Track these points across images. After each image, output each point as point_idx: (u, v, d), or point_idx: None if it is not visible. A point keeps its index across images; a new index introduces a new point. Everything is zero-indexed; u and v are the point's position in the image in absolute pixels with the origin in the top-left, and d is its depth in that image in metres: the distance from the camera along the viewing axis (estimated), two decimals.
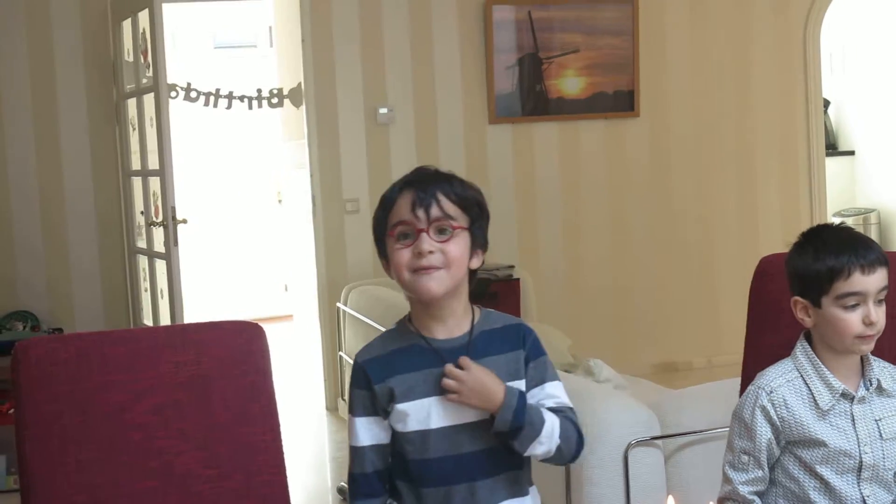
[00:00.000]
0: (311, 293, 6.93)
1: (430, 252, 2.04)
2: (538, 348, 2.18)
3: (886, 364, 2.35)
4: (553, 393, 2.15)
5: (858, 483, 2.27)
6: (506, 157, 6.86)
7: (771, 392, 2.31)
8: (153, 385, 2.16)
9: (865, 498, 2.26)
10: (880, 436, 2.27)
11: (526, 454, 2.09)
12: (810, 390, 2.30)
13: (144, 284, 6.30)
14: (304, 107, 6.75)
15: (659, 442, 3.27)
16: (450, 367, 2.02)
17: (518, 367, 2.14)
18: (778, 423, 2.30)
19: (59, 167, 6.39)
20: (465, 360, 2.03)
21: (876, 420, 2.28)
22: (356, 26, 6.69)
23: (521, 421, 2.01)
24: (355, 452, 2.15)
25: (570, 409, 2.16)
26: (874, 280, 2.23)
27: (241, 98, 8.05)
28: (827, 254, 2.26)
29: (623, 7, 6.96)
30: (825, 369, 2.29)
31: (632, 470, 3.18)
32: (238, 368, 2.22)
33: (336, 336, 6.39)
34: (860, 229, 8.97)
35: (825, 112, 8.28)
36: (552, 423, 2.06)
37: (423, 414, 2.06)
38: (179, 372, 2.18)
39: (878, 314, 2.23)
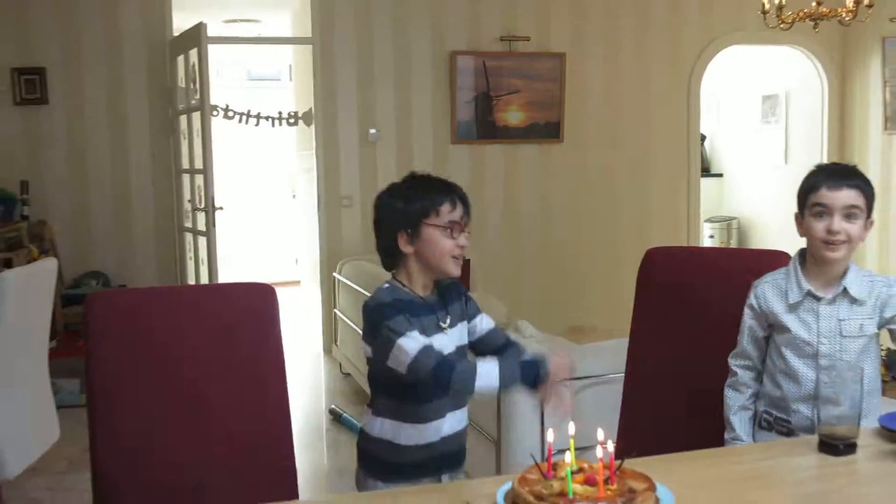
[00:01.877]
0: (315, 265, 6.94)
1: (464, 247, 2.11)
2: (472, 304, 2.25)
3: (872, 277, 2.23)
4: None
5: (816, 367, 2.19)
6: (464, 169, 6.86)
7: (756, 287, 2.30)
8: (190, 329, 2.15)
9: (821, 382, 2.13)
10: (840, 332, 2.19)
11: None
12: (785, 289, 2.25)
13: (189, 255, 6.28)
14: (313, 126, 6.74)
15: (567, 382, 3.31)
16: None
17: (464, 313, 2.19)
18: (758, 310, 2.29)
19: (127, 166, 6.37)
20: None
21: (840, 320, 2.19)
22: (354, 67, 6.68)
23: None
24: (426, 350, 1.97)
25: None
26: (839, 196, 2.14)
27: (267, 118, 8.01)
28: (813, 175, 2.21)
29: (554, 60, 6.98)
30: (800, 274, 2.23)
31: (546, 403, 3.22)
32: (254, 319, 2.20)
33: (332, 297, 6.39)
34: (724, 233, 9.13)
35: (702, 144, 8.33)
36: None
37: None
38: (210, 320, 2.17)
39: (842, 226, 2.14)
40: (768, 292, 2.28)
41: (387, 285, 2.13)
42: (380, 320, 2.02)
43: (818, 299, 2.21)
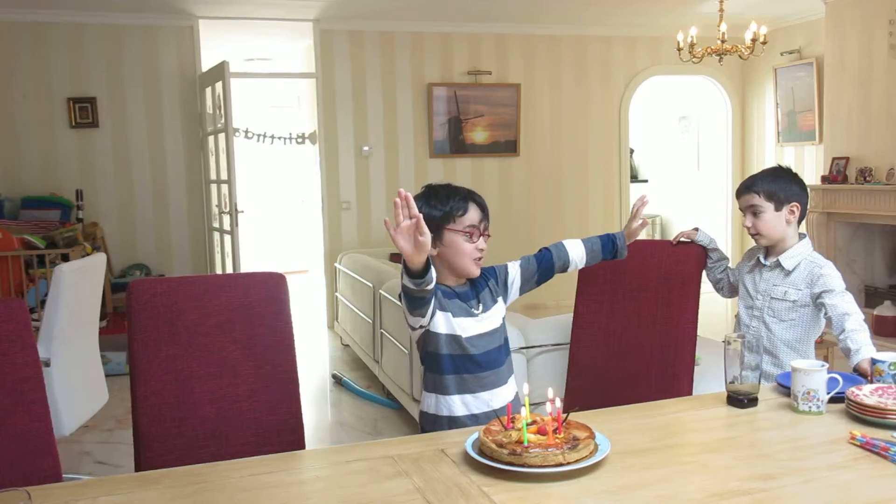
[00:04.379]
0: (319, 257, 6.88)
1: (483, 250, 1.98)
2: (498, 268, 2.07)
3: (813, 258, 2.27)
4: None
5: (750, 316, 2.34)
6: (439, 179, 6.82)
7: (741, 259, 2.49)
8: (216, 309, 2.11)
9: (753, 327, 2.31)
10: (771, 294, 2.30)
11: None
12: (752, 256, 2.41)
13: (217, 249, 6.22)
14: (318, 144, 6.68)
15: (524, 350, 3.30)
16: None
17: (496, 290, 2.02)
18: (738, 265, 2.49)
19: (165, 177, 6.29)
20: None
21: (773, 284, 2.30)
22: (350, 96, 6.64)
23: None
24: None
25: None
26: (742, 201, 2.32)
27: (279, 138, 7.94)
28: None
29: (511, 90, 6.96)
30: (761, 251, 2.36)
31: None
32: (269, 300, 2.17)
33: (333, 283, 6.36)
34: (649, 229, 9.16)
35: (631, 155, 8.35)
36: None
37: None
38: (232, 301, 2.14)
39: (752, 222, 2.29)
40: (746, 256, 2.46)
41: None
42: None
43: (763, 266, 2.34)
